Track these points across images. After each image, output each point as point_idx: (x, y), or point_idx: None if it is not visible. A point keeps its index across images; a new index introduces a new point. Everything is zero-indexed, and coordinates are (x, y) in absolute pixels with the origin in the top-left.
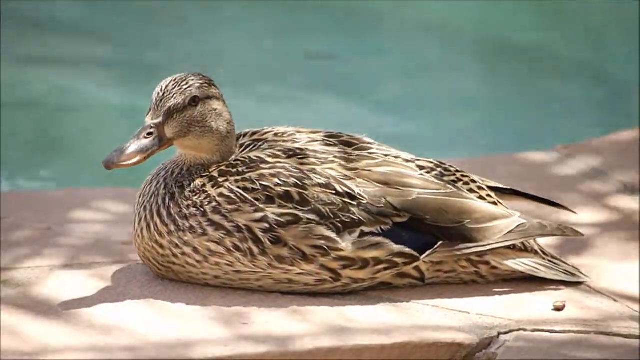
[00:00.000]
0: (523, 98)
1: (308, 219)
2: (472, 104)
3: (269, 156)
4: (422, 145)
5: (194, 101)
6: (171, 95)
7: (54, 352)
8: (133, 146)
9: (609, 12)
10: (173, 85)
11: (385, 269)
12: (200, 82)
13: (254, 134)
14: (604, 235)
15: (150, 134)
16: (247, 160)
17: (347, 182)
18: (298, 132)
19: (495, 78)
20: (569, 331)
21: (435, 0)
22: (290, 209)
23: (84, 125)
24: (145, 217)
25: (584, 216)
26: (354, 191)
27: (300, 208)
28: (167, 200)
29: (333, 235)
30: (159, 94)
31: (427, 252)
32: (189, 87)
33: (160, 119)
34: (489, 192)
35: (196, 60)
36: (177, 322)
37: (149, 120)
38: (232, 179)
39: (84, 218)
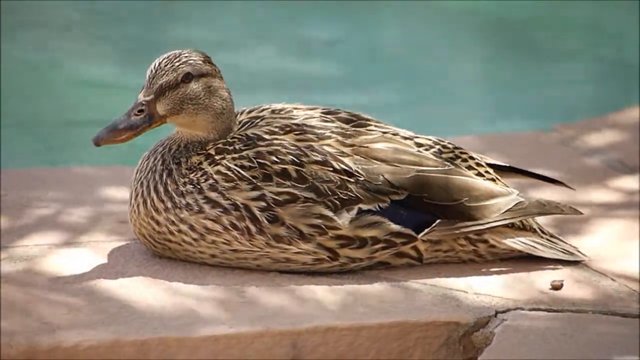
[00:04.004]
0: (521, 77)
1: (305, 197)
2: (470, 83)
3: (266, 133)
4: (420, 124)
5: (187, 78)
6: (163, 72)
7: (53, 330)
8: (123, 123)
9: None
10: (166, 62)
11: (383, 248)
12: (195, 59)
13: (251, 111)
14: (602, 215)
15: (141, 111)
16: (244, 138)
17: (345, 159)
18: (295, 108)
19: (493, 57)
20: (567, 310)
21: None
22: (288, 187)
23: (82, 103)
24: (142, 192)
25: (582, 195)
26: (351, 168)
27: (298, 185)
28: (164, 177)
29: (331, 214)
30: (152, 71)
31: (425, 231)
32: (181, 64)
33: (151, 96)
34: (488, 169)
35: (196, 38)
36: (175, 300)
37: (141, 98)
38: (229, 156)
39: (82, 196)
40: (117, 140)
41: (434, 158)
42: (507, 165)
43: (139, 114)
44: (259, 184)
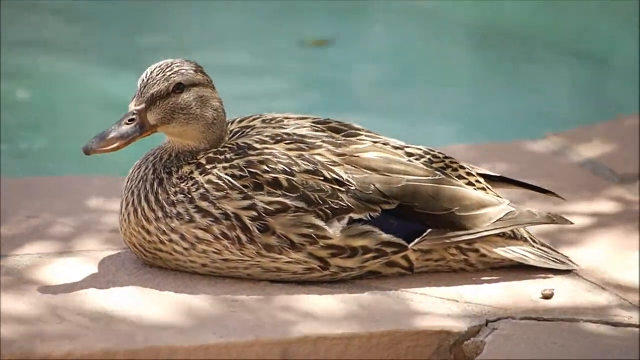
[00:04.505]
0: (514, 84)
1: (297, 207)
2: (463, 90)
3: (257, 142)
4: (412, 133)
5: (179, 88)
6: (155, 82)
7: (45, 340)
8: (113, 132)
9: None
10: (158, 72)
11: (374, 258)
12: (186, 68)
13: (242, 120)
14: (593, 225)
15: (132, 120)
16: (235, 147)
17: (336, 169)
18: (286, 118)
19: (486, 64)
20: (558, 319)
21: None
22: (279, 196)
23: (75, 112)
24: (133, 202)
25: (573, 205)
26: (342, 177)
27: (289, 195)
28: (155, 186)
29: (322, 223)
30: (143, 80)
31: (416, 240)
32: (173, 74)
33: (143, 106)
34: (478, 179)
35: (188, 45)
36: (166, 310)
37: (132, 107)
38: (220, 166)
39: (73, 205)
40: (107, 149)
41: (425, 168)
42: (498, 175)
43: (129, 123)
44: (250, 193)
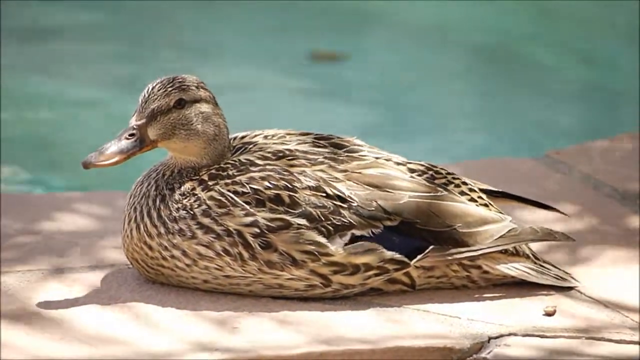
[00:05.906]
0: (514, 103)
1: (298, 223)
2: (463, 109)
3: (259, 158)
4: (412, 149)
5: (180, 104)
6: (156, 97)
7: (46, 357)
8: (113, 147)
9: (602, 17)
10: (159, 87)
11: (376, 275)
12: (188, 84)
13: (244, 137)
14: (595, 241)
15: (132, 135)
16: (237, 164)
17: (337, 185)
18: (288, 134)
19: (486, 82)
20: (560, 336)
21: (427, 1)
22: (281, 213)
23: (74, 127)
24: (135, 217)
25: (575, 221)
26: (344, 194)
27: (291, 211)
28: (157, 202)
29: (323, 240)
30: (145, 95)
31: (418, 257)
32: (174, 89)
33: (143, 121)
34: (481, 194)
35: (191, 60)
36: (168, 326)
37: (132, 122)
38: (222, 182)
39: (74, 221)
40: (106, 163)
41: (427, 184)
42: (500, 190)
43: (129, 137)
44: (252, 209)
